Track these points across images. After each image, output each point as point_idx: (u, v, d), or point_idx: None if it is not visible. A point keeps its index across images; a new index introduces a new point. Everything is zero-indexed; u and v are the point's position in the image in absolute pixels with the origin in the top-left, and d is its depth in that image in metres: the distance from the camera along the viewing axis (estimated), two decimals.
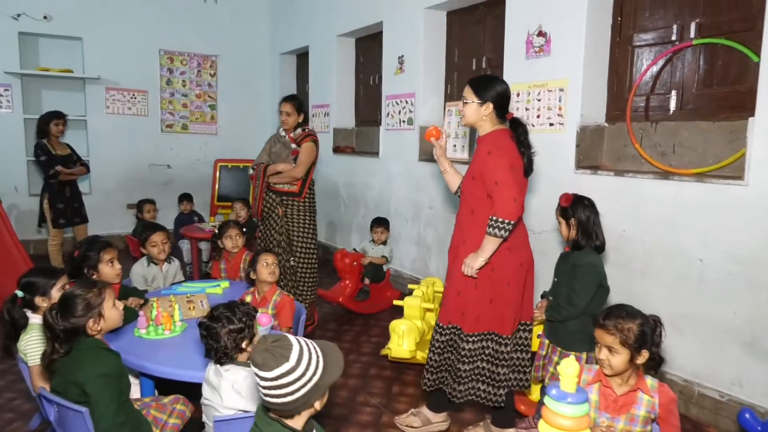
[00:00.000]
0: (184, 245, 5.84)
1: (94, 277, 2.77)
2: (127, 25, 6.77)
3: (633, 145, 3.35)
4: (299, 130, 4.04)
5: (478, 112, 2.58)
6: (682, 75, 3.22)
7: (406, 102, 5.02)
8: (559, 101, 3.59)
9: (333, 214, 6.41)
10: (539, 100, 3.72)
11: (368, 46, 6.01)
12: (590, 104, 3.53)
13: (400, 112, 5.12)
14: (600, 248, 2.56)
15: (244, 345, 1.94)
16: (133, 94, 6.94)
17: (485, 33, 4.51)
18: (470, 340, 2.64)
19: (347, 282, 4.54)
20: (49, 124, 5.10)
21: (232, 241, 3.59)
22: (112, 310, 2.05)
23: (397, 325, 3.34)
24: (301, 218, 4.03)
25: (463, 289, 2.62)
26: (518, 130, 2.60)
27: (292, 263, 4.01)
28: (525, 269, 2.66)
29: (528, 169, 2.57)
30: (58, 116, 5.16)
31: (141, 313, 2.61)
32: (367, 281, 4.64)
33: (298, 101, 4.01)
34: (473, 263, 2.51)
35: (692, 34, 3.13)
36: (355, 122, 6.34)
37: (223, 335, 1.91)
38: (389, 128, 5.31)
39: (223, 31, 7.38)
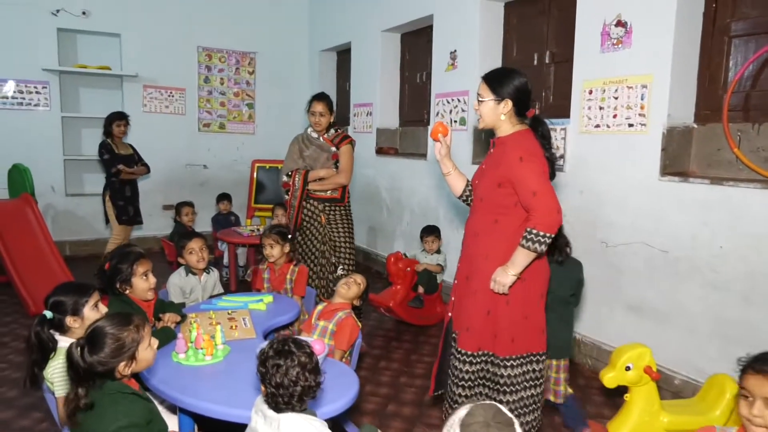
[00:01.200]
0: (224, 247, 5.63)
1: (127, 292, 2.51)
2: (165, 21, 6.59)
3: (731, 149, 2.94)
4: (333, 131, 3.78)
5: (495, 110, 2.27)
6: None
7: (459, 100, 4.67)
8: (641, 99, 3.19)
9: (375, 219, 6.09)
10: (616, 98, 3.33)
11: (414, 42, 5.67)
12: (677, 103, 3.12)
13: (451, 111, 4.77)
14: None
15: (312, 394, 1.59)
16: (171, 92, 6.76)
17: (549, 25, 4.12)
18: (509, 364, 2.31)
19: (398, 287, 4.23)
20: (111, 125, 5.19)
21: (267, 250, 3.29)
22: (146, 351, 1.76)
23: None
24: (345, 224, 3.80)
25: (493, 307, 2.30)
26: (540, 130, 2.30)
27: (341, 272, 3.71)
28: (548, 283, 2.40)
29: (552, 173, 2.28)
30: (120, 117, 5.25)
31: (180, 335, 2.33)
32: (420, 290, 4.31)
33: (329, 100, 3.76)
34: (504, 279, 2.20)
35: None
36: (399, 122, 6.01)
37: (293, 376, 1.54)
38: None
39: (262, 27, 7.14)
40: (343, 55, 7.04)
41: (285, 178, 3.82)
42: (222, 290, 3.39)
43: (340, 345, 2.66)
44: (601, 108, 3.42)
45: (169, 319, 2.55)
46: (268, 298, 3.12)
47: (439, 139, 2.51)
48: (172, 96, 6.77)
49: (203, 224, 6.14)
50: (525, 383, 2.35)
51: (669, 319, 3.11)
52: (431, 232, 4.58)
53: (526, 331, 2.32)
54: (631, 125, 3.25)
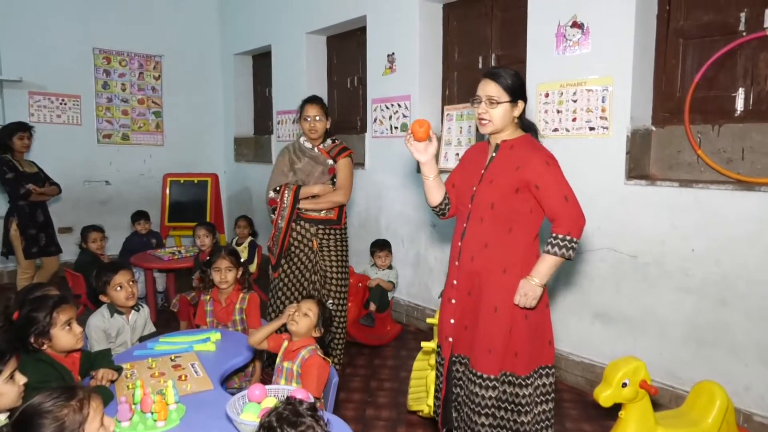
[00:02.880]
0: (139, 275, 4.97)
1: (45, 348, 1.98)
2: (53, 18, 5.78)
3: (694, 151, 2.93)
4: (329, 142, 3.30)
5: (509, 113, 2.11)
6: (752, 70, 2.82)
7: (399, 106, 4.43)
8: (602, 102, 3.11)
9: None
10: (575, 101, 3.24)
11: (344, 45, 5.37)
12: (637, 105, 3.07)
13: (391, 117, 4.52)
14: None
15: None
16: (63, 100, 5.94)
17: (493, 27, 3.99)
18: (528, 383, 2.14)
19: (349, 304, 3.87)
20: (12, 138, 4.36)
21: (221, 275, 2.82)
22: None
23: (434, 379, 2.71)
24: (339, 251, 3.28)
25: (514, 324, 2.12)
26: (534, 133, 2.23)
27: (330, 307, 3.21)
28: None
29: None
30: (22, 128, 4.42)
31: (122, 398, 1.85)
32: (372, 306, 4.00)
33: (324, 102, 3.26)
34: (535, 292, 2.05)
35: (766, 23, 2.73)
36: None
37: None
38: (377, 136, 4.69)
39: (167, 28, 6.51)
40: (261, 58, 6.58)
41: (272, 194, 3.22)
42: (153, 328, 2.88)
43: (311, 390, 2.28)
44: (558, 111, 3.32)
45: (104, 376, 2.04)
46: (215, 336, 2.66)
47: (429, 138, 2.22)
48: (65, 104, 5.95)
49: (112, 248, 5.40)
50: (537, 398, 2.17)
51: (640, 325, 3.05)
52: (383, 247, 4.31)
53: (539, 344, 2.16)
54: (592, 128, 3.17)
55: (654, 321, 2.99)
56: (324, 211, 3.21)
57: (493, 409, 2.13)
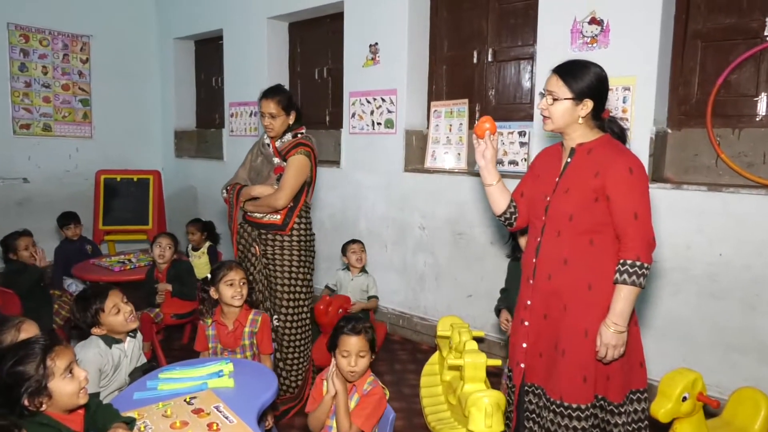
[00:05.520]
0: (72, 287, 4.29)
1: (43, 408, 1.51)
2: None
3: (717, 154, 2.89)
4: (288, 137, 2.92)
5: (572, 112, 1.89)
6: None
7: (383, 100, 4.13)
8: (623, 102, 3.01)
9: None
10: None
11: (310, 33, 4.97)
12: (657, 107, 3.00)
13: (373, 112, 4.21)
14: None
15: None
16: None
17: (490, 19, 3.80)
18: (623, 410, 1.95)
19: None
20: None
21: (234, 290, 2.36)
22: None
23: (478, 399, 2.47)
24: (286, 260, 2.89)
25: (593, 350, 1.91)
26: (619, 135, 1.99)
27: (275, 324, 2.89)
28: None
29: None
30: None
31: None
32: None
33: (285, 95, 2.87)
34: (618, 340, 1.82)
35: None
36: None
37: None
38: (356, 132, 4.36)
39: (97, 5, 5.74)
40: (206, 44, 5.99)
41: (224, 194, 2.98)
42: (144, 358, 2.39)
43: (358, 422, 1.96)
44: None
45: None
46: (227, 367, 2.25)
47: (486, 138, 2.02)
48: None
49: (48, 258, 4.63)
50: (630, 426, 1.96)
51: (665, 331, 2.98)
52: (357, 240, 3.86)
53: (629, 366, 1.95)
54: None
55: (678, 326, 2.93)
56: (268, 216, 2.87)
57: None
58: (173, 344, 3.91)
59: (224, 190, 2.99)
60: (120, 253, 4.56)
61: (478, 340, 2.91)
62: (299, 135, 2.93)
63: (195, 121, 6.36)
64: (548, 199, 1.97)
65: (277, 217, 2.86)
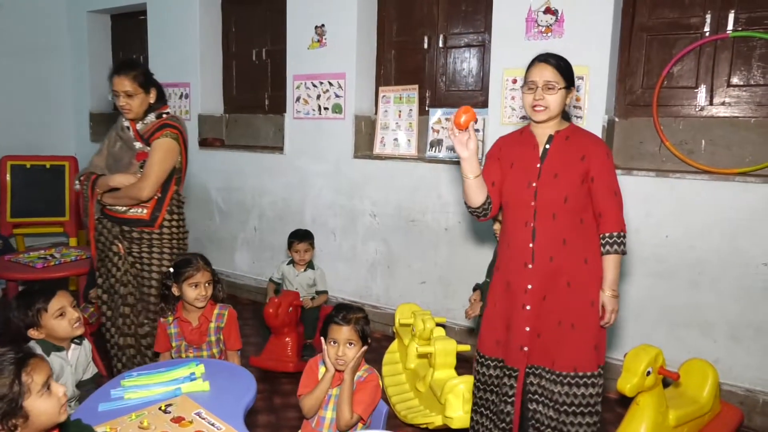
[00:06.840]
0: None
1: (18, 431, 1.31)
2: None
3: (662, 142, 3.06)
4: (152, 117, 2.59)
5: (564, 100, 2.02)
6: (714, 68, 3.01)
7: (331, 84, 4.00)
8: (578, 91, 3.10)
9: (203, 227, 4.93)
10: None
11: (245, 11, 4.71)
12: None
13: (320, 96, 4.07)
14: None
15: None
16: None
17: (440, 4, 3.77)
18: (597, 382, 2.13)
19: (287, 339, 3.24)
20: None
21: (200, 291, 2.18)
22: None
23: (454, 386, 2.47)
24: (155, 260, 2.59)
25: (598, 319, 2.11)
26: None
27: (147, 330, 2.61)
28: None
29: None
30: None
31: None
32: (318, 338, 3.42)
33: (141, 70, 2.52)
34: (617, 305, 2.07)
35: (730, 26, 2.93)
36: (224, 108, 4.97)
37: None
38: (300, 116, 4.20)
39: None
40: (124, 19, 5.53)
41: (77, 185, 2.63)
42: (95, 369, 2.16)
43: (359, 409, 1.89)
44: None
45: None
46: (198, 368, 2.09)
47: (470, 129, 2.00)
48: None
49: None
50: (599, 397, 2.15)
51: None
52: (303, 238, 3.55)
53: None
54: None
55: (630, 304, 3.09)
56: (131, 210, 2.55)
57: (597, 407, 2.08)
58: None
59: (77, 181, 2.63)
60: (36, 248, 4.12)
61: (440, 326, 2.92)
62: (164, 115, 2.61)
63: (113, 104, 5.85)
64: (534, 185, 2.02)
65: (143, 211, 2.56)
